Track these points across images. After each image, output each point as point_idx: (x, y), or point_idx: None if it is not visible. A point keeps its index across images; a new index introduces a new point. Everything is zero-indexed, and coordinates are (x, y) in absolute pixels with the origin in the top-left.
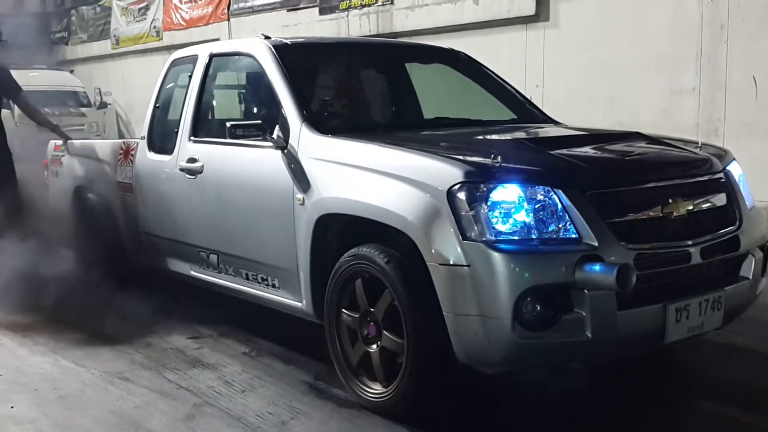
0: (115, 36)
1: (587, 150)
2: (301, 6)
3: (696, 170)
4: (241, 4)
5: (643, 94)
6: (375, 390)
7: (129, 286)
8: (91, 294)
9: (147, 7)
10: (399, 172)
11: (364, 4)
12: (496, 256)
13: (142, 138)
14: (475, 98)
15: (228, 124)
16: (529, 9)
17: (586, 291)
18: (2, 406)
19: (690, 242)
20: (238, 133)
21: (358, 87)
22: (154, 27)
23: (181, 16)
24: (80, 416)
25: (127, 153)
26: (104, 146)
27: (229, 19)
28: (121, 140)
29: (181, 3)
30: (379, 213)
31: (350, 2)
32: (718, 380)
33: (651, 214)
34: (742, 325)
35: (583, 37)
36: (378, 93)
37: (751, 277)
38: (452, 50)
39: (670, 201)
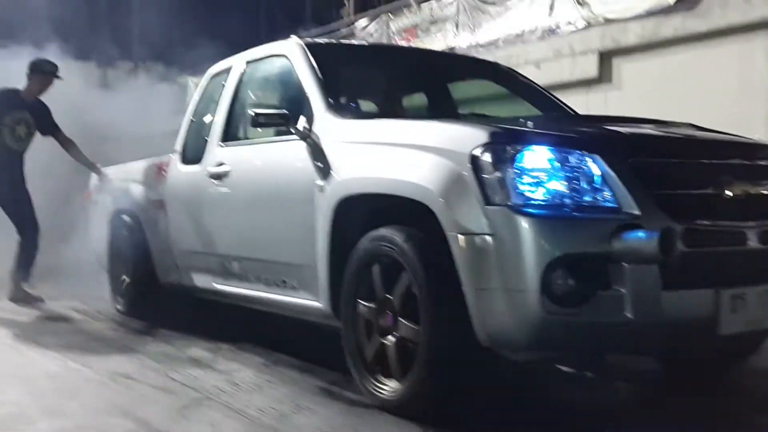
0: None
1: (634, 126)
2: None
3: (755, 154)
4: None
5: None
6: (389, 387)
7: (156, 305)
8: (116, 312)
9: None
10: (419, 141)
11: None
12: (522, 221)
13: (175, 152)
14: (519, 109)
15: (251, 113)
16: (592, 72)
17: (625, 264)
18: None
19: (746, 224)
20: (261, 120)
21: (387, 86)
22: None
23: None
24: (70, 403)
25: (160, 169)
26: (139, 167)
27: None
28: (156, 158)
29: None
30: (397, 186)
31: None
32: None
33: (702, 191)
34: None
35: (647, 99)
36: (409, 90)
37: None
38: (491, 63)
39: (725, 180)
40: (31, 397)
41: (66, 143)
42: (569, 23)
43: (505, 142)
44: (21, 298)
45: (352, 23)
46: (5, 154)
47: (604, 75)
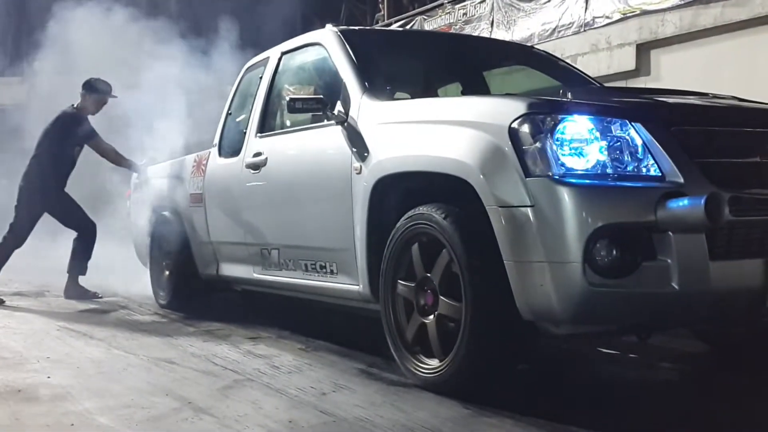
0: None
1: (677, 97)
2: None
3: None
4: None
5: None
6: (430, 365)
7: (196, 297)
8: (158, 305)
9: None
10: (455, 117)
11: None
12: (564, 191)
13: (214, 146)
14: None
15: (287, 97)
16: (629, 64)
17: (671, 234)
18: (39, 376)
19: None
20: (297, 106)
21: (421, 70)
22: None
23: None
24: (114, 385)
25: (199, 164)
26: (177, 163)
27: None
28: (194, 154)
29: None
30: (435, 163)
31: None
32: None
33: (747, 159)
34: None
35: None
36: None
37: None
38: (527, 47)
39: None
40: (77, 380)
41: (104, 151)
42: (605, 16)
43: (544, 113)
44: (78, 294)
45: (387, 27)
46: (64, 168)
47: (642, 67)
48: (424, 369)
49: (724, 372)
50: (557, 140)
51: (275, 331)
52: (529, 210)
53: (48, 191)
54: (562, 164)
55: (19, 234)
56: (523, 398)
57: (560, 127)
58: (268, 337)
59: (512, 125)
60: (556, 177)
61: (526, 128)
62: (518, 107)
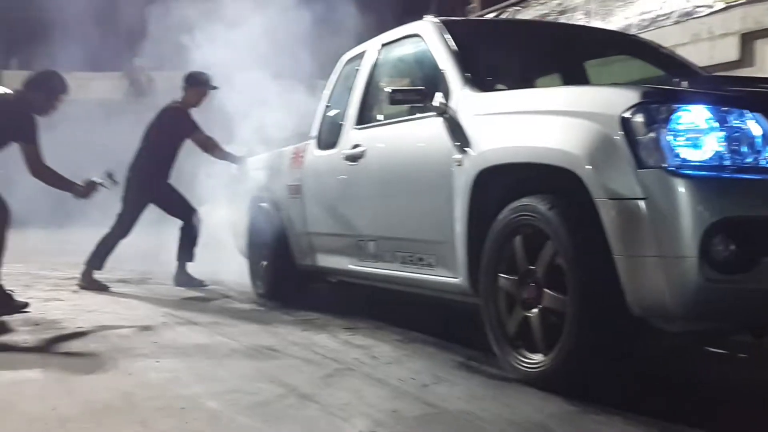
0: None
1: None
2: None
3: None
4: None
5: None
6: (533, 360)
7: (293, 287)
8: (256, 295)
9: None
10: (563, 107)
11: None
12: (679, 184)
13: (312, 138)
14: None
15: (388, 90)
16: (732, 55)
17: None
18: (149, 361)
19: None
20: (398, 97)
21: (521, 58)
22: None
23: None
24: (219, 370)
25: (297, 156)
26: (276, 155)
27: None
28: (293, 146)
29: None
30: (540, 154)
31: None
32: None
33: None
34: None
35: None
36: (544, 67)
37: None
38: (630, 35)
39: None
40: (184, 365)
41: (204, 144)
42: (707, 6)
43: (659, 102)
44: (185, 281)
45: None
46: (169, 160)
47: (745, 58)
48: (526, 363)
49: None
50: (672, 130)
51: (371, 321)
52: (641, 203)
53: (154, 182)
54: (678, 155)
55: (126, 225)
56: (629, 396)
57: (676, 117)
58: (365, 328)
59: (624, 115)
60: (671, 168)
61: (639, 118)
62: (631, 96)
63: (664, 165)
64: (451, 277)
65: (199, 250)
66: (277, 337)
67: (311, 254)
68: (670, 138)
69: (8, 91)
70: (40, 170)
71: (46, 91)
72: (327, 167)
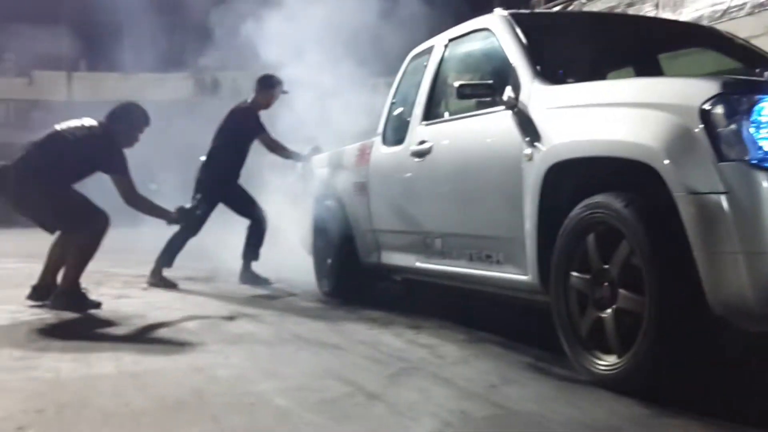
0: None
1: None
2: None
3: None
4: None
5: None
6: (607, 361)
7: (359, 285)
8: (321, 293)
9: None
10: (638, 99)
11: None
12: (762, 177)
13: (378, 135)
14: None
15: (456, 84)
16: None
17: None
18: (218, 357)
19: None
20: (466, 92)
21: (593, 52)
22: None
23: None
24: (287, 367)
25: (363, 153)
26: (342, 152)
27: None
28: (358, 143)
29: None
30: (614, 147)
31: None
32: None
33: None
34: None
35: None
36: (616, 61)
37: None
38: (708, 28)
39: None
40: (250, 362)
41: (270, 144)
42: None
43: (741, 93)
44: (250, 279)
45: None
46: (238, 160)
47: None
48: (599, 365)
49: None
50: (754, 122)
51: (436, 321)
52: (722, 197)
53: (225, 183)
54: (760, 148)
55: (195, 224)
56: (706, 399)
57: (758, 108)
58: (430, 327)
59: (704, 106)
60: (754, 162)
61: (719, 109)
62: (711, 87)
63: (746, 158)
64: (520, 274)
65: (264, 248)
66: (343, 335)
67: (376, 252)
68: (752, 130)
69: (94, 123)
70: (134, 200)
71: (127, 123)
72: (393, 164)
